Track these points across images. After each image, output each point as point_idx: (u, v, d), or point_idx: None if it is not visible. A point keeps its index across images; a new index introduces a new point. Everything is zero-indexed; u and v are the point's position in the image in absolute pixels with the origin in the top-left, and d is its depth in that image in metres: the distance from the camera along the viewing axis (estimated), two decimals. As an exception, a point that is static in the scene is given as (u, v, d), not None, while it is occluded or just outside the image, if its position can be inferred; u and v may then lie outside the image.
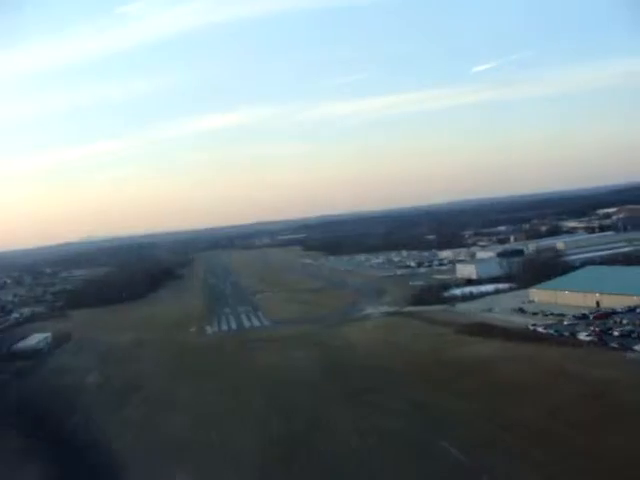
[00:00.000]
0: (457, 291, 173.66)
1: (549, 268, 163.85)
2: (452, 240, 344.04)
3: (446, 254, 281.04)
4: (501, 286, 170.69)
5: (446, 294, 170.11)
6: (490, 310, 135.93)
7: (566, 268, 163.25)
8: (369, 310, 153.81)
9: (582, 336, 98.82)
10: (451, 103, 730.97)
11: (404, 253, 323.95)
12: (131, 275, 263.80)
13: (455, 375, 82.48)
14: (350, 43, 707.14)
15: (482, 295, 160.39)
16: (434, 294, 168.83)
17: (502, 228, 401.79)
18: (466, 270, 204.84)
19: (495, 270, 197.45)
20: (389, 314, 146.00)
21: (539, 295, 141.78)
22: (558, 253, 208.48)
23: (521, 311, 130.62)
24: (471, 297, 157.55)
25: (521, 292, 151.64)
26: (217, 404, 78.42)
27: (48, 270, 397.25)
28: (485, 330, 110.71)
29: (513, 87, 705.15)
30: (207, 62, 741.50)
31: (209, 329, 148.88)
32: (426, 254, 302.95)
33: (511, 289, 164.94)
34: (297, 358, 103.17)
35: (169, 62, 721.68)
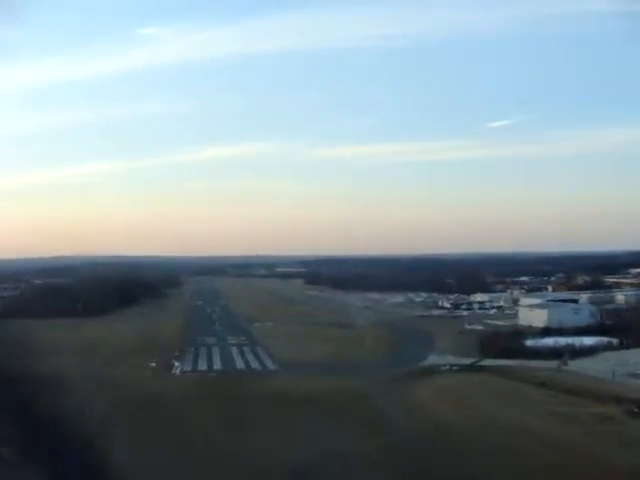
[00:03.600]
0: (534, 341, 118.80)
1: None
2: (474, 285, 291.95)
3: (482, 297, 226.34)
4: (601, 340, 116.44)
5: (528, 344, 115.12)
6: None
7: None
8: (431, 359, 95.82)
9: None
10: (464, 155, 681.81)
11: (423, 294, 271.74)
12: (100, 287, 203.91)
13: None
14: (364, 87, 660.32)
15: (584, 350, 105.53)
16: (509, 343, 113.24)
17: (525, 278, 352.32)
18: (534, 316, 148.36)
19: (572, 318, 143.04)
20: (465, 368, 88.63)
21: None
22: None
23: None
24: (573, 352, 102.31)
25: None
26: None
27: (23, 277, 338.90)
28: None
29: (528, 144, 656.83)
30: (217, 93, 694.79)
31: (177, 366, 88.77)
32: (451, 297, 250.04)
33: (619, 345, 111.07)
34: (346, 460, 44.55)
35: (180, 88, 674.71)
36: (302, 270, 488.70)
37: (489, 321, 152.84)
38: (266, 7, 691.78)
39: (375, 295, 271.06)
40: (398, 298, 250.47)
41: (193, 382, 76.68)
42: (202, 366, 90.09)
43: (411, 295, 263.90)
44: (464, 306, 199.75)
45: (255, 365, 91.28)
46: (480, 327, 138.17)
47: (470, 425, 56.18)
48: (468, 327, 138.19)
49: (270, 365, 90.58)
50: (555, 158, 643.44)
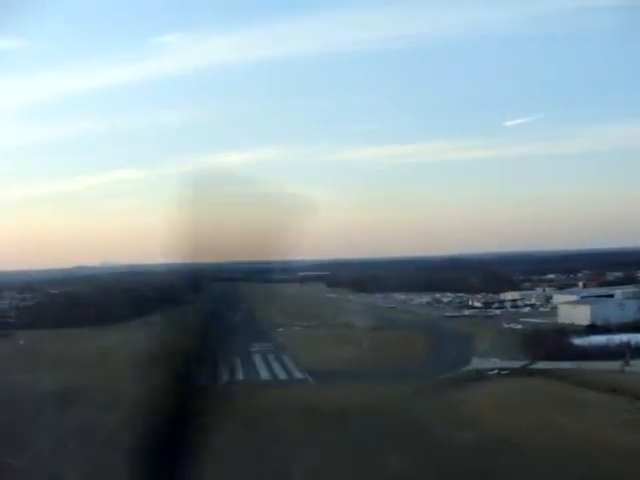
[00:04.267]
0: (582, 340, 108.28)
1: None
2: (500, 284, 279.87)
3: (512, 296, 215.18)
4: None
5: (576, 343, 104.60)
6: None
7: None
8: (475, 363, 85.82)
9: None
10: (479, 155, 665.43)
11: (449, 294, 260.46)
12: (118, 295, 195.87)
13: None
14: (378, 89, 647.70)
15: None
16: (556, 343, 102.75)
17: (551, 276, 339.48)
18: (576, 312, 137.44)
19: (617, 313, 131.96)
20: (515, 372, 78.69)
21: None
22: None
23: None
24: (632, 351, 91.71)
25: None
26: None
27: (39, 287, 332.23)
28: None
29: (545, 142, 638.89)
30: (232, 99, 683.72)
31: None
32: (479, 296, 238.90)
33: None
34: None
35: (193, 96, 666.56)
36: (322, 273, 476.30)
37: (526, 319, 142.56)
38: (280, 12, 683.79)
39: (400, 296, 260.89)
40: (424, 298, 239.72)
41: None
42: (222, 376, 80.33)
43: (437, 295, 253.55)
44: (495, 305, 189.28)
45: (281, 374, 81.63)
46: (519, 326, 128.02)
47: (545, 442, 46.38)
48: (506, 326, 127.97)
49: (297, 374, 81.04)
50: (573, 155, 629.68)
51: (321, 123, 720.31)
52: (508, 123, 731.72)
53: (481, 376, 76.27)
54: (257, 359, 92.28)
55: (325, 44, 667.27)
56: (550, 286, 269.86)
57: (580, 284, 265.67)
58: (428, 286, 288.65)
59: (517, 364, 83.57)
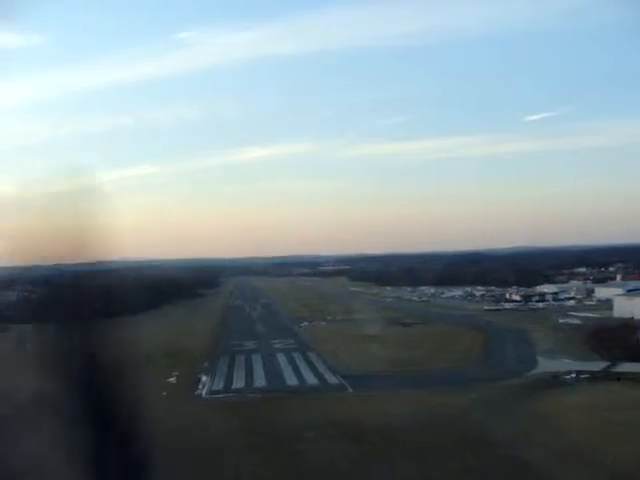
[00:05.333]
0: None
1: None
2: (531, 278, 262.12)
3: (549, 289, 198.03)
4: None
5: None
6: None
7: None
8: (543, 365, 69.54)
9: None
10: (500, 150, 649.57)
11: (480, 288, 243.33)
12: (124, 288, 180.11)
13: None
14: (395, 85, 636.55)
15: None
16: (630, 341, 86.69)
17: (582, 269, 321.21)
18: (635, 306, 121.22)
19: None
20: (599, 377, 62.60)
21: None
22: None
23: None
24: None
25: None
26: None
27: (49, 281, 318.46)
28: None
29: (568, 137, 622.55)
30: (251, 94, 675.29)
31: (204, 382, 63.37)
32: (511, 289, 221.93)
33: None
34: None
35: (211, 92, 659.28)
36: (344, 268, 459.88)
37: (577, 313, 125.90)
38: (297, 8, 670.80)
39: (429, 289, 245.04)
40: (454, 292, 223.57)
41: (224, 410, 51.26)
42: (238, 382, 64.36)
43: (468, 289, 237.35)
44: (536, 298, 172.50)
45: (310, 379, 65.85)
46: (575, 321, 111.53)
47: None
48: (561, 321, 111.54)
49: (332, 378, 65.10)
50: (589, 150, 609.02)
51: (344, 118, 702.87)
52: (530, 117, 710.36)
53: (559, 381, 60.28)
54: (281, 359, 77.04)
55: (343, 39, 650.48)
56: (586, 279, 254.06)
57: (618, 277, 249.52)
58: (452, 279, 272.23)
59: (595, 366, 67.37)
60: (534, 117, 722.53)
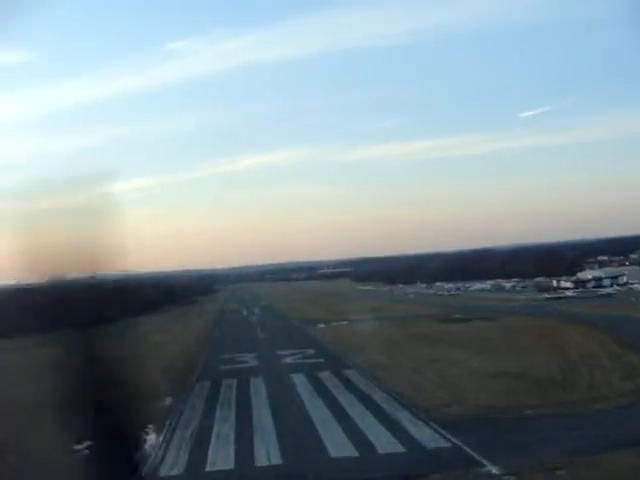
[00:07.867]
0: None
1: None
2: (556, 267, 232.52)
3: (593, 274, 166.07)
4: None
5: None
6: None
7: None
8: None
9: None
10: (498, 147, 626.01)
11: (500, 280, 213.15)
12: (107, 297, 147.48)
13: None
14: (392, 85, 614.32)
15: None
16: None
17: (604, 258, 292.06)
18: None
19: None
20: None
21: None
22: None
23: None
24: None
25: None
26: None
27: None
28: None
29: (563, 133, 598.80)
30: (244, 101, 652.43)
31: (145, 454, 17.25)
32: (540, 279, 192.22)
33: None
34: None
35: (205, 101, 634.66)
36: (346, 270, 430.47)
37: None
38: (288, 13, 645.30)
39: (445, 284, 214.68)
40: (481, 285, 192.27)
41: None
42: (220, 454, 26.69)
43: (490, 282, 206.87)
44: (592, 284, 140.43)
45: (383, 440, 26.91)
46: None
47: None
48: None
49: (425, 433, 27.38)
50: (588, 144, 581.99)
51: (339, 122, 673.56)
52: (523, 114, 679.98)
53: None
54: (302, 387, 41.68)
55: (337, 42, 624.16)
56: (621, 264, 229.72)
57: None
58: (469, 274, 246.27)
59: None
60: (530, 113, 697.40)
